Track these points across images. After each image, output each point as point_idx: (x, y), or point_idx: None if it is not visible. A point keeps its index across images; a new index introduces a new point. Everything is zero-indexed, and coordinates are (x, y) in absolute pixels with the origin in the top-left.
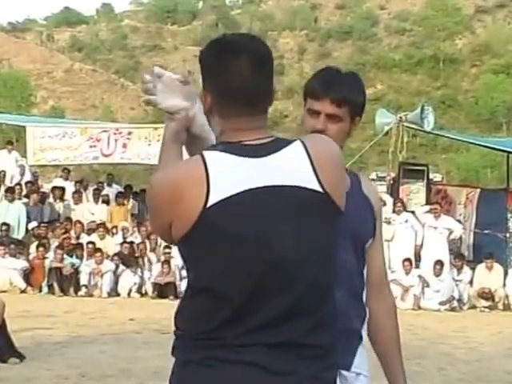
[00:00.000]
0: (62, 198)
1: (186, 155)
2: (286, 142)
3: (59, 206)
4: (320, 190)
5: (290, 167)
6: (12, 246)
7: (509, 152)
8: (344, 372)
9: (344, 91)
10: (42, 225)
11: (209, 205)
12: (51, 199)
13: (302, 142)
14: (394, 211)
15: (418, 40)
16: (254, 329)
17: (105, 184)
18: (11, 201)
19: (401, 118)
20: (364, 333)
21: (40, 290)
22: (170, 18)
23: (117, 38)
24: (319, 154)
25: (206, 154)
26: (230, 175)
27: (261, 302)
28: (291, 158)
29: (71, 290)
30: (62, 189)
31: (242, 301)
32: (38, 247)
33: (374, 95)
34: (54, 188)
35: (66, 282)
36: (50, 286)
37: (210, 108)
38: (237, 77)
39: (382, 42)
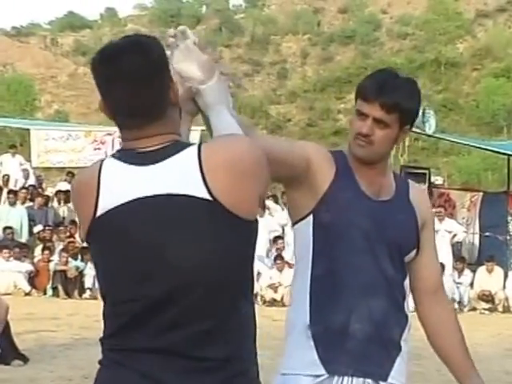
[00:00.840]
0: (66, 202)
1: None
2: (179, 148)
3: (63, 210)
4: (208, 197)
5: (178, 175)
6: (16, 249)
7: (509, 155)
8: (382, 382)
9: (396, 97)
10: (47, 228)
11: (98, 215)
12: (55, 203)
13: (199, 147)
14: None
15: (420, 44)
16: (144, 337)
17: None
18: (13, 204)
19: None
20: (404, 343)
21: (45, 293)
22: (173, 22)
23: None
24: (213, 159)
25: (106, 160)
26: (120, 184)
27: (150, 312)
28: (180, 165)
29: (76, 292)
30: (66, 192)
31: (133, 310)
32: (43, 250)
33: None
34: (58, 192)
35: (71, 285)
36: (55, 289)
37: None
38: (114, 92)
39: (384, 46)
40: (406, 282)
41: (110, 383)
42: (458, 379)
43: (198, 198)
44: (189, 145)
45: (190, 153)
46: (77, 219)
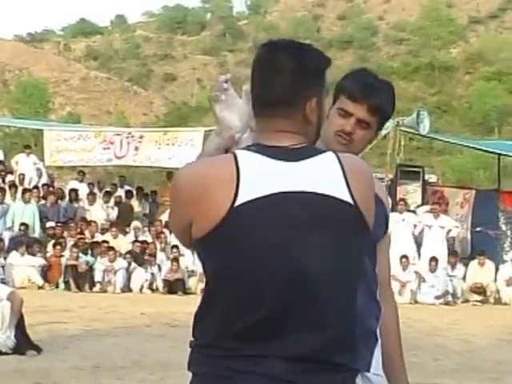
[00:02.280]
0: (76, 199)
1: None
2: (318, 150)
3: (74, 207)
4: (351, 201)
5: (323, 175)
6: (30, 244)
7: (499, 154)
8: (367, 373)
9: (381, 101)
10: (58, 224)
11: (236, 204)
12: (67, 200)
13: (336, 154)
14: (392, 210)
15: (415, 49)
16: (271, 340)
17: (117, 186)
18: (27, 202)
19: (398, 122)
20: (378, 332)
21: (57, 287)
22: (180, 29)
23: (130, 47)
24: (352, 167)
25: (239, 152)
26: (261, 176)
27: (280, 313)
28: (324, 166)
29: (86, 286)
30: (76, 190)
31: (260, 311)
32: (54, 246)
33: None
34: (71, 190)
35: (82, 279)
36: (67, 283)
37: (254, 112)
38: (256, 79)
39: (380, 51)
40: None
41: None
42: (387, 378)
43: (342, 200)
44: (324, 150)
45: (330, 157)
46: (88, 216)
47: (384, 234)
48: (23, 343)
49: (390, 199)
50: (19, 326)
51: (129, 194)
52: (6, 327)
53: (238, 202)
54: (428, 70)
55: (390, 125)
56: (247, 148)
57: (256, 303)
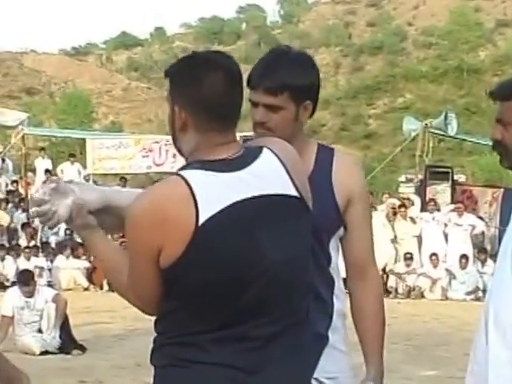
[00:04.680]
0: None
1: None
2: (257, 152)
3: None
4: (297, 194)
5: (270, 176)
6: (75, 247)
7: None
8: (320, 379)
9: (279, 77)
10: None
11: (200, 223)
12: None
13: (270, 149)
14: (422, 210)
15: (443, 53)
16: (234, 331)
17: None
18: None
19: (426, 124)
20: (332, 333)
21: (101, 288)
22: (216, 39)
23: (169, 58)
24: (288, 159)
25: (184, 173)
26: (215, 191)
27: (249, 306)
28: (267, 166)
29: None
30: None
31: (230, 307)
32: None
33: (403, 104)
34: None
35: None
36: (110, 284)
37: (185, 123)
38: (213, 91)
39: (410, 56)
40: (333, 265)
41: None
42: (364, 360)
43: (291, 196)
44: (257, 149)
45: (268, 156)
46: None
47: (336, 227)
48: (68, 343)
49: (419, 199)
50: (64, 327)
51: None
52: (51, 328)
53: (201, 219)
54: (456, 73)
55: (418, 127)
56: (190, 166)
57: (224, 301)
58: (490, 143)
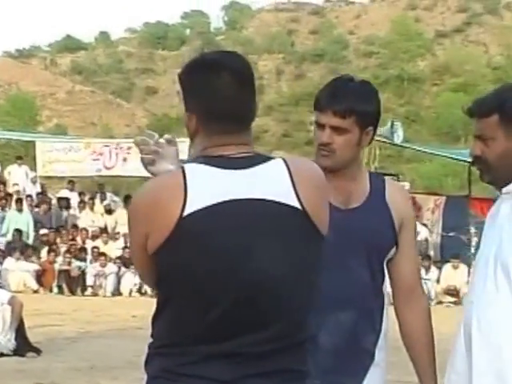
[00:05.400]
0: (67, 208)
1: None
2: (267, 157)
3: (65, 215)
4: (298, 206)
5: (270, 181)
6: (24, 250)
7: (470, 162)
8: None
9: (348, 102)
10: (51, 231)
11: (185, 214)
12: (58, 208)
13: (284, 160)
14: None
15: (384, 62)
16: (223, 346)
17: (107, 194)
18: (20, 211)
19: None
20: (378, 351)
21: (51, 291)
22: (160, 44)
23: (113, 62)
24: (300, 172)
25: (186, 165)
26: (209, 186)
27: (233, 318)
28: (272, 172)
29: (78, 290)
30: (67, 199)
31: (215, 315)
32: (48, 252)
33: None
34: (60, 198)
35: (74, 283)
36: (60, 287)
37: (197, 129)
38: (222, 95)
39: (351, 64)
40: (386, 286)
41: None
42: (419, 382)
43: (290, 206)
44: (272, 157)
45: (278, 164)
46: (79, 224)
47: (390, 248)
48: (23, 345)
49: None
50: (19, 329)
51: (117, 202)
52: (6, 330)
53: (187, 211)
54: (397, 81)
55: None
56: (194, 160)
57: (208, 307)
58: (435, 152)
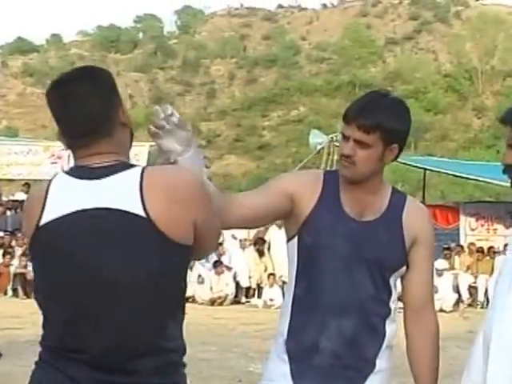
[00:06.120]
0: (22, 210)
1: None
2: (126, 167)
3: (21, 218)
4: (143, 214)
5: (119, 191)
6: None
7: (425, 169)
8: None
9: (374, 117)
10: (6, 234)
11: (41, 224)
12: (14, 211)
13: (143, 169)
14: None
15: (335, 68)
16: (72, 348)
17: None
18: None
19: (332, 138)
20: (380, 361)
21: (5, 294)
22: (113, 47)
23: (65, 64)
24: (153, 181)
25: (57, 175)
26: (65, 196)
27: (81, 322)
28: (123, 182)
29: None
30: (23, 202)
31: (66, 318)
32: (4, 255)
33: (297, 117)
34: (16, 201)
35: (30, 286)
36: (15, 290)
37: (64, 143)
38: (68, 114)
39: (303, 69)
40: (392, 299)
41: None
42: None
43: (133, 213)
44: (136, 166)
45: (135, 172)
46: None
47: (400, 266)
48: None
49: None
50: None
51: None
52: None
53: (42, 221)
54: (349, 87)
55: (323, 140)
56: (65, 170)
57: (62, 310)
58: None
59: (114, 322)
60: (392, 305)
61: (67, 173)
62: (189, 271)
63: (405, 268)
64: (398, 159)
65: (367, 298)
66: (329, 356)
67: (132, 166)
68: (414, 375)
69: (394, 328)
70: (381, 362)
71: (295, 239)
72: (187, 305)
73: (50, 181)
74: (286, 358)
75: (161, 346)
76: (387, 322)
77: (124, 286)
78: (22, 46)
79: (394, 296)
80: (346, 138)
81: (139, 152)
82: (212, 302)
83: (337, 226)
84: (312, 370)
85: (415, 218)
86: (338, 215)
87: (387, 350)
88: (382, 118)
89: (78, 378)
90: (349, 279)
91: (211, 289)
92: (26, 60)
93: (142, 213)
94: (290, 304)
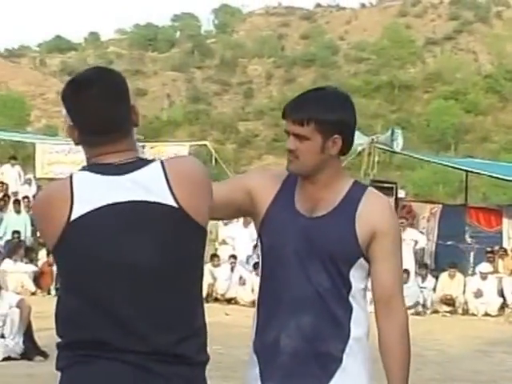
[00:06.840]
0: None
1: None
2: (145, 162)
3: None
4: (175, 205)
5: (148, 184)
6: (22, 252)
7: (467, 171)
8: None
9: (305, 110)
10: None
11: (72, 219)
12: None
13: (161, 162)
14: None
15: (374, 68)
16: (119, 340)
17: None
18: (18, 212)
19: (373, 139)
20: (347, 356)
21: (48, 293)
22: (150, 46)
23: (103, 63)
24: (176, 172)
25: (75, 173)
26: (93, 191)
27: (123, 310)
28: (148, 175)
29: None
30: None
31: (109, 309)
32: (47, 254)
33: None
34: None
35: None
36: (58, 289)
37: (80, 140)
38: (89, 112)
39: (341, 69)
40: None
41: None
42: None
43: (165, 204)
44: (152, 160)
45: (156, 166)
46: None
47: (355, 258)
48: (31, 349)
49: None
50: (27, 333)
51: None
52: (15, 333)
53: (73, 216)
54: (388, 88)
55: (364, 142)
56: (83, 168)
57: (102, 302)
58: (435, 160)
59: (160, 309)
60: (353, 299)
61: (88, 170)
62: (230, 273)
63: (363, 261)
64: (439, 161)
65: (324, 293)
66: (290, 353)
67: (149, 160)
68: (385, 369)
69: (362, 323)
70: (349, 358)
71: (259, 240)
72: (230, 306)
73: (71, 179)
74: (255, 358)
75: (199, 326)
76: (352, 317)
77: (164, 273)
78: (60, 45)
79: (356, 290)
80: (287, 133)
81: (179, 151)
82: (254, 304)
83: (288, 224)
84: (277, 370)
85: (373, 211)
86: (290, 213)
87: (357, 346)
88: (312, 110)
89: (128, 370)
90: (304, 275)
91: (252, 290)
92: (65, 58)
93: (173, 203)
94: (257, 304)
